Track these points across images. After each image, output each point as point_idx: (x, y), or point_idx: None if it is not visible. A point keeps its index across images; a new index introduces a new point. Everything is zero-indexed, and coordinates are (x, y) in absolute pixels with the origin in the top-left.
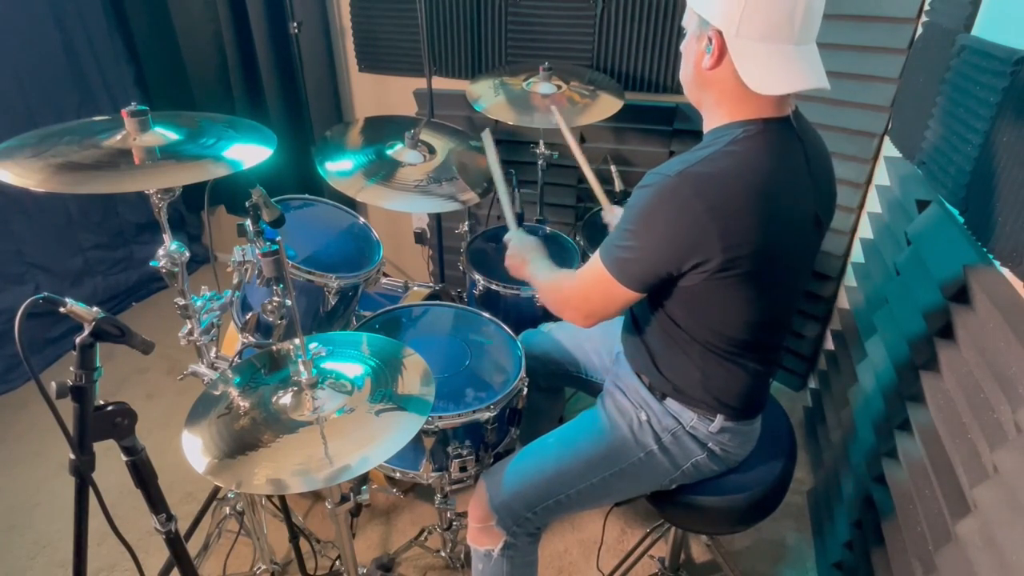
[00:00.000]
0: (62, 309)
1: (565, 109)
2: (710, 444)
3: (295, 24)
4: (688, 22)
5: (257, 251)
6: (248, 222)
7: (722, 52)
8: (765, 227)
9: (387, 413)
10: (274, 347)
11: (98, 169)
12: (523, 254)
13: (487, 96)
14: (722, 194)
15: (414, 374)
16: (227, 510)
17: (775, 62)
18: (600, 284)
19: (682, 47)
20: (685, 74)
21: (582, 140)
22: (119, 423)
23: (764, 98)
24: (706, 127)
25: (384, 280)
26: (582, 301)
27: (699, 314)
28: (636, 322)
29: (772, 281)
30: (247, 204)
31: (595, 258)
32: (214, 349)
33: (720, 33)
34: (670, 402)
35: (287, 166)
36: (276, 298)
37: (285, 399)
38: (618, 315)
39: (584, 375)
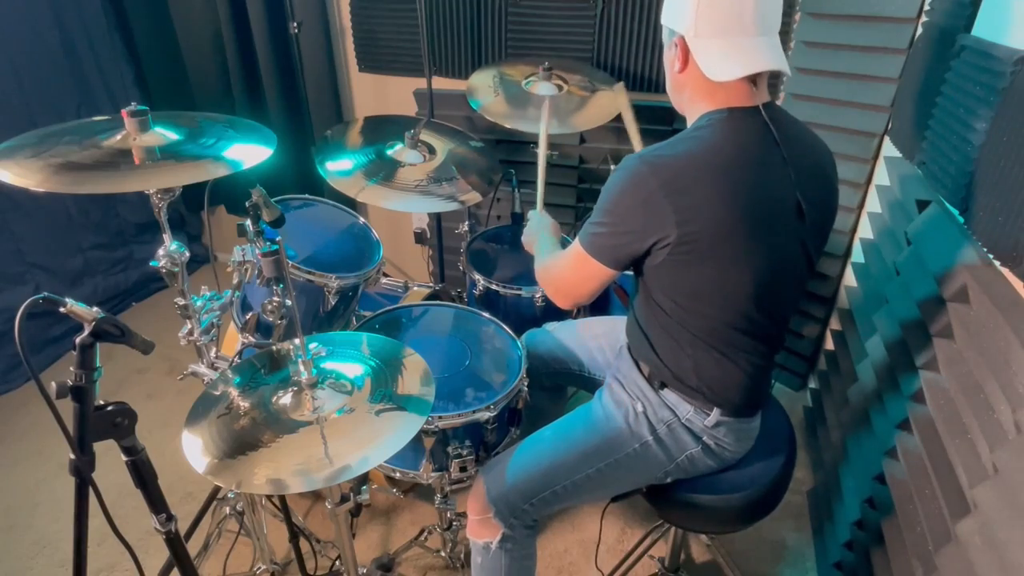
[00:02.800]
0: (62, 309)
1: (564, 109)
2: (705, 438)
3: (295, 24)
4: (663, 37)
5: (257, 251)
6: (248, 222)
7: (686, 54)
8: (721, 203)
9: (387, 413)
10: (274, 347)
11: (98, 169)
12: (535, 233)
13: (484, 94)
14: (676, 172)
15: (414, 374)
16: (227, 510)
17: (731, 52)
18: (577, 262)
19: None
20: (667, 83)
21: (581, 140)
22: (119, 423)
23: (731, 90)
24: (688, 124)
25: (384, 280)
26: (562, 281)
27: (678, 297)
28: (635, 311)
29: (740, 261)
30: (247, 204)
31: (575, 240)
32: (214, 349)
33: (683, 37)
34: (667, 393)
35: (287, 166)
36: (276, 298)
37: (285, 399)
38: (595, 295)
39: (587, 374)
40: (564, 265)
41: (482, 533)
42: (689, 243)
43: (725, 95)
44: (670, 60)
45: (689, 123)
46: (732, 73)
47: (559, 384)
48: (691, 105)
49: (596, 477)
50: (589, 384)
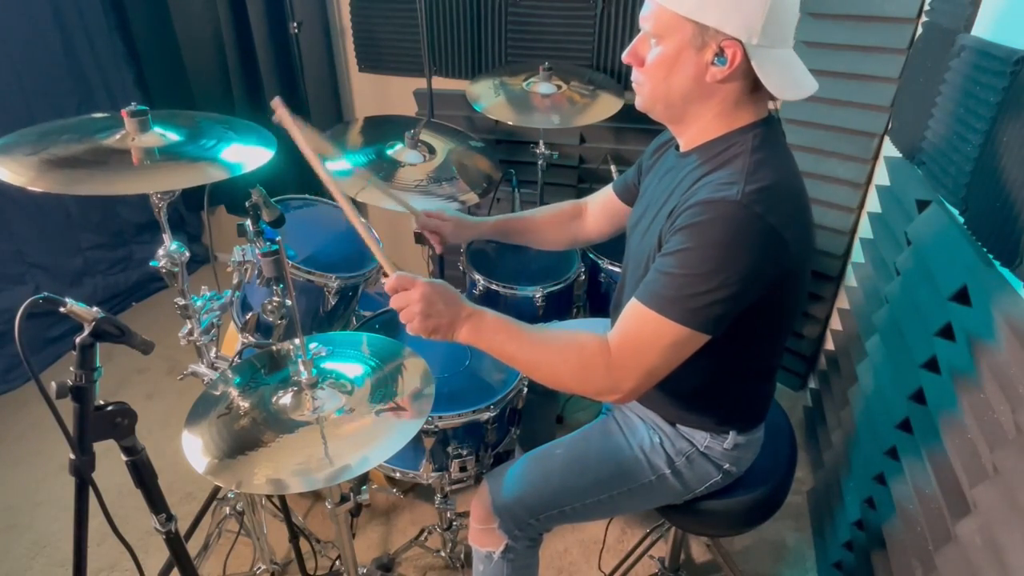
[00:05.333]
0: (62, 309)
1: (565, 109)
2: (726, 465)
3: (295, 24)
4: (668, 29)
5: (257, 251)
6: (248, 222)
7: (740, 62)
8: (810, 228)
9: (387, 413)
10: (274, 347)
11: (97, 170)
12: (452, 298)
13: (487, 96)
14: (785, 204)
15: (414, 374)
16: (227, 510)
17: (788, 67)
18: (666, 340)
19: (636, 55)
20: (668, 89)
21: (581, 140)
22: (119, 423)
23: (758, 102)
24: (692, 141)
25: (384, 280)
26: (634, 368)
27: (743, 337)
28: None
29: (807, 283)
30: (247, 204)
31: (651, 316)
32: (214, 349)
33: (738, 42)
34: (681, 426)
35: (287, 166)
36: (276, 298)
37: (285, 399)
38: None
39: None
40: (636, 347)
41: (485, 542)
42: (796, 275)
43: (754, 109)
44: (697, 65)
45: (692, 137)
46: (799, 93)
47: None
48: (713, 119)
49: (608, 502)
50: None
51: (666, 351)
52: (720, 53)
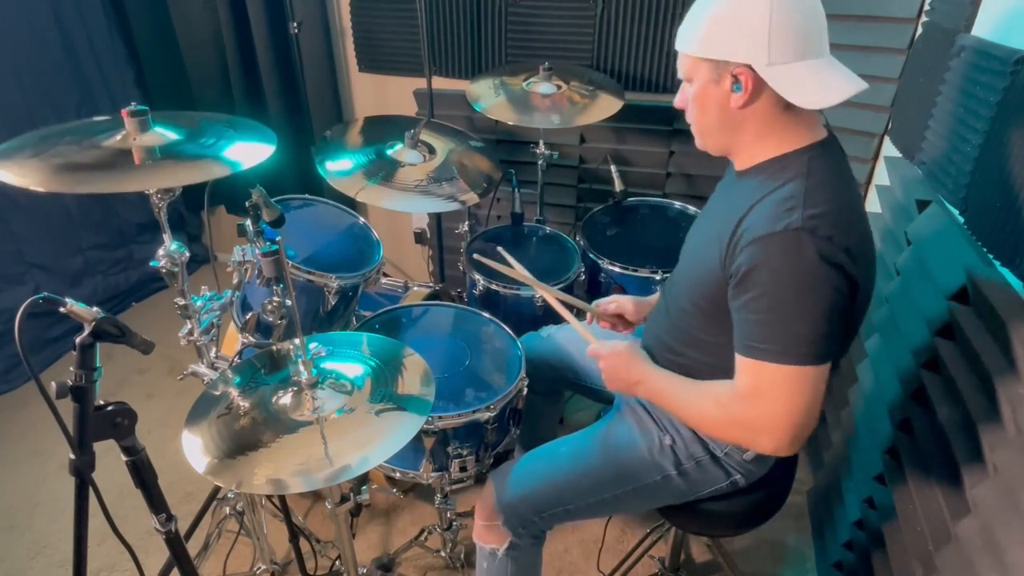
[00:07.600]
0: (62, 309)
1: (565, 109)
2: (736, 476)
3: (295, 24)
4: (692, 72)
5: (257, 251)
6: (248, 222)
7: (756, 86)
8: (872, 241)
9: (387, 413)
10: (274, 347)
11: (98, 169)
12: (629, 366)
13: (487, 96)
14: (846, 227)
15: (414, 374)
16: (227, 510)
17: (817, 77)
18: (802, 384)
19: (681, 99)
20: (706, 123)
21: (581, 140)
22: (119, 423)
23: (807, 122)
24: (745, 163)
25: (384, 280)
26: (786, 416)
27: None
28: (681, 356)
29: (869, 298)
30: (247, 204)
31: (775, 369)
32: (214, 349)
33: (750, 67)
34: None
35: (287, 166)
36: (276, 298)
37: (285, 399)
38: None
39: (583, 382)
40: (778, 400)
41: (489, 539)
42: (857, 295)
43: (806, 131)
44: (719, 96)
45: (745, 161)
46: (830, 100)
47: (555, 389)
48: (758, 143)
49: (611, 501)
50: (586, 391)
51: (811, 391)
52: (736, 81)
